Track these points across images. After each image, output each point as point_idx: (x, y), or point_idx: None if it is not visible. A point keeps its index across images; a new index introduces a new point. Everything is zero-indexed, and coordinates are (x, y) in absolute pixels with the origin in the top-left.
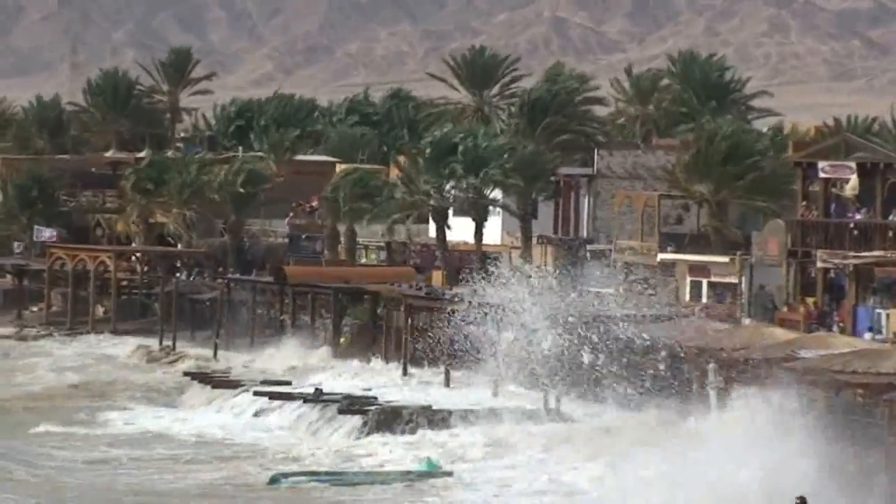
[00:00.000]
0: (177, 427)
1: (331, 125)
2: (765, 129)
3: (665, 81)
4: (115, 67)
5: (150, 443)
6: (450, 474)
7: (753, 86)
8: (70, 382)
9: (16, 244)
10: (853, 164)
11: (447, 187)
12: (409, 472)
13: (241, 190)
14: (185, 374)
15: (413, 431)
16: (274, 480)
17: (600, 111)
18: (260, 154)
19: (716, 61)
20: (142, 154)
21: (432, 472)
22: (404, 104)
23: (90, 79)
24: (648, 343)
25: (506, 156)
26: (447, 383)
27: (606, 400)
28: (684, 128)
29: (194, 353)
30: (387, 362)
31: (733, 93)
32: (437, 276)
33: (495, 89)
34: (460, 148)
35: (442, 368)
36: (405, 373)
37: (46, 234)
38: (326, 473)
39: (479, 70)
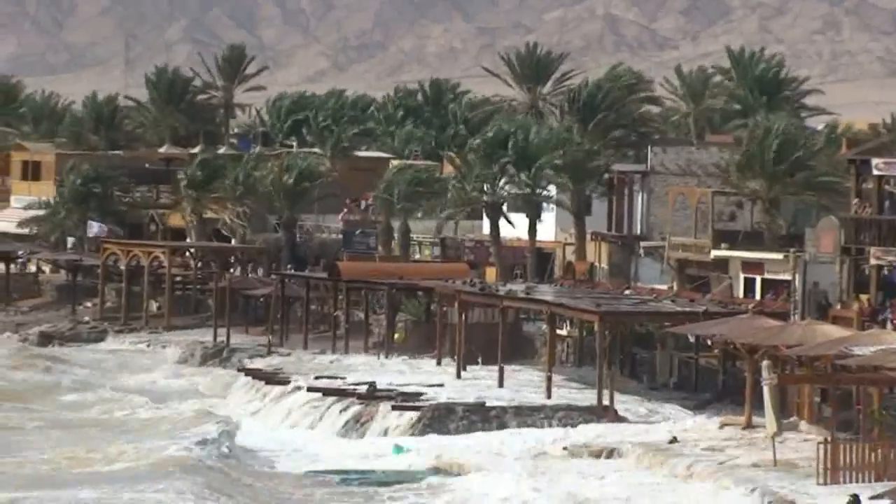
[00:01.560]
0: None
1: (385, 121)
2: (819, 127)
3: (718, 78)
4: (173, 64)
5: None
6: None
7: (807, 83)
8: None
9: (69, 240)
10: None
11: (501, 183)
12: (438, 470)
13: (294, 185)
14: (239, 370)
15: (468, 429)
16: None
17: (654, 108)
18: (315, 150)
19: (771, 59)
20: (195, 150)
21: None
22: (458, 100)
23: (147, 75)
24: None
25: (560, 152)
26: (500, 383)
27: (661, 398)
28: (737, 123)
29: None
30: (441, 359)
31: (786, 90)
32: (490, 273)
33: (548, 86)
34: (510, 143)
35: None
36: (461, 369)
37: (95, 228)
38: (356, 472)
39: (534, 67)
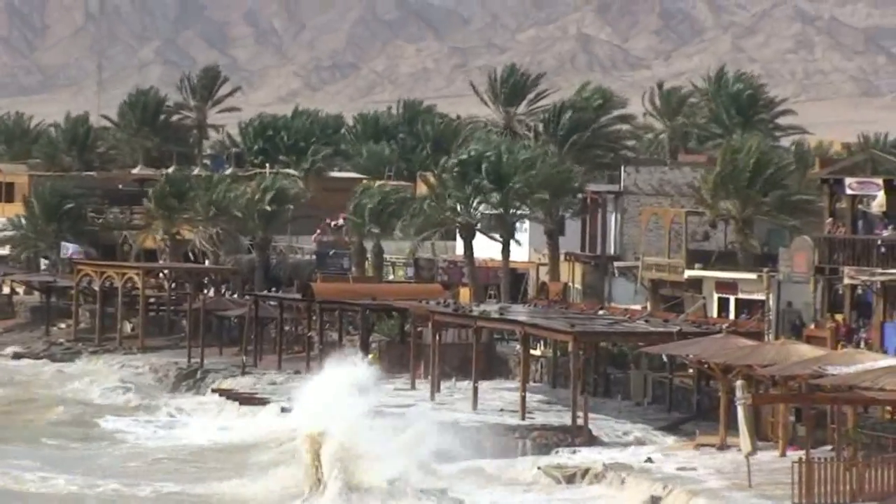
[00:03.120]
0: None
1: (357, 142)
2: (787, 144)
3: (693, 98)
4: (146, 85)
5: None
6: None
7: (780, 103)
8: None
9: (42, 261)
10: (880, 181)
11: (474, 204)
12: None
13: (269, 207)
14: (214, 391)
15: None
16: None
17: (628, 128)
18: (288, 171)
19: (746, 78)
20: (169, 171)
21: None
22: (429, 120)
23: (124, 97)
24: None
25: (532, 172)
26: (475, 406)
27: (635, 418)
28: (712, 145)
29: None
30: (414, 379)
31: (761, 110)
32: (464, 293)
33: (522, 106)
34: (484, 164)
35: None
36: (434, 389)
37: (70, 249)
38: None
39: (511, 87)
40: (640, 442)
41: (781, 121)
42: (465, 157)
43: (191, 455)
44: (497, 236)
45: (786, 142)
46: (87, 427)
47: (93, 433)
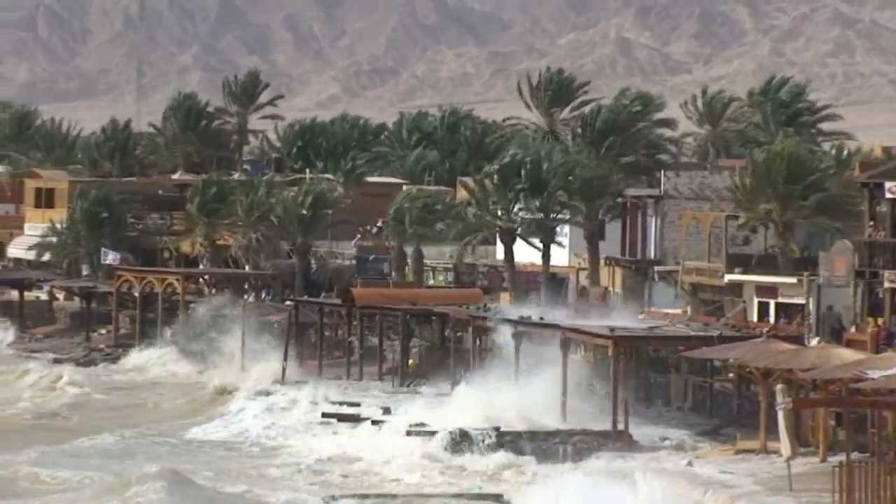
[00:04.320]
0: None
1: (398, 147)
2: (828, 149)
3: (735, 103)
4: (189, 90)
5: None
6: (499, 497)
7: (822, 108)
8: None
9: (83, 267)
10: None
11: (515, 209)
12: (460, 495)
13: (308, 212)
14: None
15: (483, 453)
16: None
17: (668, 132)
18: (328, 176)
19: (793, 85)
20: (207, 176)
21: (482, 493)
22: (469, 125)
23: (166, 103)
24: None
25: (570, 178)
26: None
27: (675, 423)
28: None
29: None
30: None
31: (802, 115)
32: (504, 298)
33: (566, 111)
34: (524, 169)
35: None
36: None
37: (110, 256)
38: (376, 496)
39: (552, 91)
40: (680, 447)
41: (824, 125)
42: (505, 161)
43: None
44: (537, 241)
45: (828, 146)
46: None
47: None
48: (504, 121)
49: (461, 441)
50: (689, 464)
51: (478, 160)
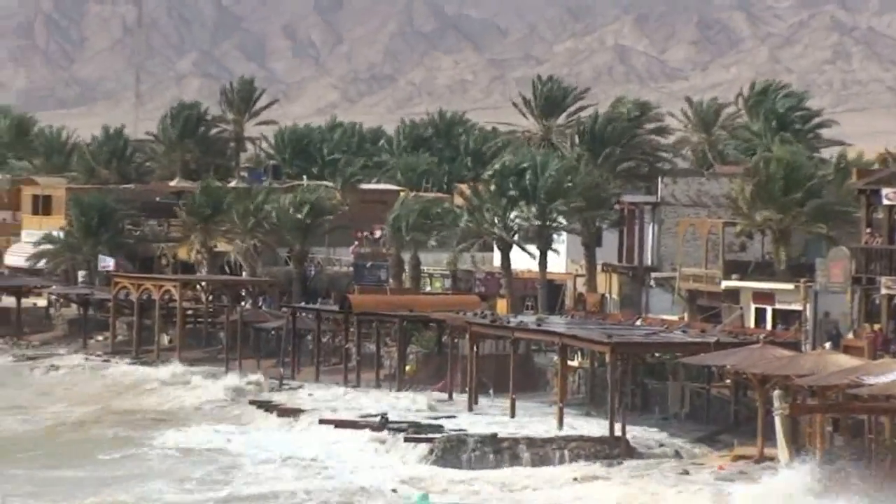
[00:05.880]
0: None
1: (395, 153)
2: (827, 156)
3: (730, 109)
4: (187, 98)
5: None
6: None
7: (819, 113)
8: None
9: (80, 273)
10: None
11: (512, 216)
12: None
13: (305, 219)
14: (251, 402)
15: (479, 461)
16: None
17: (665, 139)
18: (325, 183)
19: (789, 92)
20: (201, 183)
21: None
22: (467, 131)
23: (164, 110)
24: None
25: (568, 184)
26: (512, 414)
27: (672, 429)
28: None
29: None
30: (451, 390)
31: (798, 122)
32: (501, 304)
33: (561, 118)
34: (519, 177)
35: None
36: (472, 401)
37: (108, 262)
38: None
39: (550, 98)
40: (677, 453)
41: (822, 132)
42: (498, 167)
43: None
44: (533, 248)
45: (826, 153)
46: None
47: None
48: (493, 129)
49: (457, 447)
50: (686, 472)
51: (475, 167)
